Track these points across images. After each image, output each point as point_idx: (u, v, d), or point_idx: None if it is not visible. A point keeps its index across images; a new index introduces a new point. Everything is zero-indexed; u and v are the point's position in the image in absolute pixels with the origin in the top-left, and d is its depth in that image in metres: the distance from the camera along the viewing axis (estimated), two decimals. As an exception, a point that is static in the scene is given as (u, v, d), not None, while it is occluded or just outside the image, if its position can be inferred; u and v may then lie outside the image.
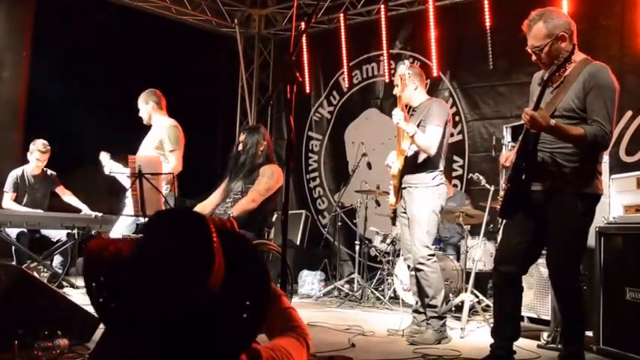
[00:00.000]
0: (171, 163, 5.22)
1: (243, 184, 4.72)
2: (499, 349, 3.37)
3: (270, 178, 4.64)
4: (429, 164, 4.45)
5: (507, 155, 3.46)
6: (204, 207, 4.82)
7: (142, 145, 5.47)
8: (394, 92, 4.53)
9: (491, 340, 3.45)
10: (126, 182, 5.45)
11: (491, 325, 3.63)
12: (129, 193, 5.37)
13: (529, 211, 3.27)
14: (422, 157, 4.45)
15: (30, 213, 6.13)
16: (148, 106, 5.46)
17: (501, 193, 3.43)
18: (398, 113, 4.36)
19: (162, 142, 5.29)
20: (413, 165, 4.49)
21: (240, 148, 4.81)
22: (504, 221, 3.63)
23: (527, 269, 3.47)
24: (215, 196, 4.89)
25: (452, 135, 6.93)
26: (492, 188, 5.36)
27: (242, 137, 4.85)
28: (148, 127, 5.53)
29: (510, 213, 3.35)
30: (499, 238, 4.42)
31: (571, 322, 3.28)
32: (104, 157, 5.40)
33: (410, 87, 4.53)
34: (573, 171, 3.13)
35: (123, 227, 5.35)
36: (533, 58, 3.25)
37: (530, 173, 3.18)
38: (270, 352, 1.46)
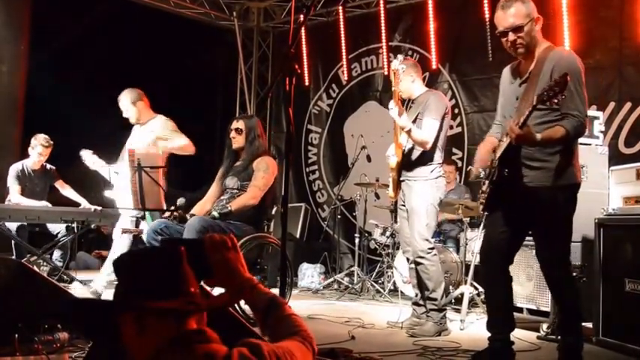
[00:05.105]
0: (182, 141, 5.26)
1: (238, 180, 4.71)
2: (497, 341, 3.39)
3: (265, 172, 4.63)
4: (426, 157, 4.45)
5: (477, 161, 3.49)
6: (204, 204, 4.82)
7: (130, 144, 5.40)
8: (393, 88, 4.52)
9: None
10: (111, 177, 5.49)
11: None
12: (117, 186, 5.42)
13: (510, 204, 3.32)
14: (419, 150, 4.45)
15: (30, 207, 6.13)
16: (136, 107, 5.40)
17: (483, 187, 3.45)
18: (393, 108, 4.35)
19: (160, 133, 5.27)
20: (411, 158, 4.49)
21: (233, 135, 4.78)
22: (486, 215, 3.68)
23: (513, 259, 3.50)
24: (212, 192, 4.89)
25: (451, 127, 6.92)
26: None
27: (239, 124, 4.82)
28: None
29: (493, 208, 3.41)
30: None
31: (567, 311, 3.32)
32: (86, 154, 5.50)
33: (407, 80, 4.52)
34: (552, 165, 3.19)
35: (127, 218, 5.37)
36: (511, 38, 3.23)
37: (511, 174, 3.23)
38: (272, 347, 1.48)
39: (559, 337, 3.51)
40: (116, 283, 1.57)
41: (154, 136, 5.27)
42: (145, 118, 5.42)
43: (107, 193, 5.74)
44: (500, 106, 3.55)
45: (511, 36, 3.23)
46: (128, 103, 5.41)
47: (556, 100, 2.87)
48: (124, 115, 5.46)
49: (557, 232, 3.26)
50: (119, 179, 5.42)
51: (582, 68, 3.18)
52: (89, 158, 5.51)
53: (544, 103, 2.91)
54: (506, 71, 3.50)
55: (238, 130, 4.78)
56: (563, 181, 3.20)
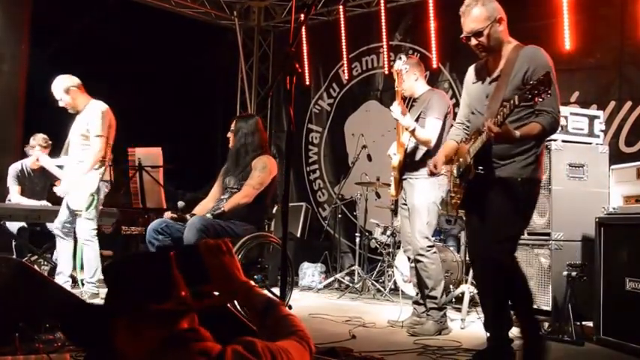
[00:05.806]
0: (94, 147, 5.02)
1: (237, 179, 4.71)
2: (495, 340, 3.37)
3: (261, 171, 4.62)
4: (429, 156, 4.45)
5: (435, 161, 3.55)
6: (206, 203, 4.82)
7: (70, 134, 5.28)
8: (396, 87, 4.54)
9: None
10: (57, 172, 5.44)
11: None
12: (63, 180, 5.35)
13: (483, 203, 3.32)
14: (422, 149, 4.47)
15: (30, 207, 6.13)
16: (69, 94, 5.17)
17: (452, 187, 3.47)
18: (396, 108, 4.37)
19: (88, 125, 5.07)
20: (413, 157, 4.51)
21: (228, 135, 4.80)
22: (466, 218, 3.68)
23: None
24: (214, 191, 4.90)
25: (452, 126, 6.92)
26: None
27: (232, 124, 4.85)
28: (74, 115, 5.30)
29: (469, 207, 3.42)
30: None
31: (518, 296, 3.27)
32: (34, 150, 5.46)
33: (410, 78, 4.54)
34: (520, 161, 3.22)
35: (63, 218, 5.28)
36: (473, 42, 3.31)
37: (485, 171, 3.26)
38: (267, 344, 1.49)
39: (561, 337, 3.47)
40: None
41: (84, 124, 5.12)
42: (82, 104, 5.21)
43: (56, 189, 5.72)
44: (466, 105, 3.56)
45: (473, 40, 3.31)
46: (60, 91, 5.17)
47: (541, 99, 2.89)
48: (60, 104, 5.23)
49: (508, 217, 3.20)
50: (64, 173, 5.38)
51: (552, 64, 3.21)
52: (35, 153, 5.48)
53: (528, 100, 2.93)
54: (471, 70, 3.56)
55: (232, 131, 4.81)
56: (527, 175, 3.21)
